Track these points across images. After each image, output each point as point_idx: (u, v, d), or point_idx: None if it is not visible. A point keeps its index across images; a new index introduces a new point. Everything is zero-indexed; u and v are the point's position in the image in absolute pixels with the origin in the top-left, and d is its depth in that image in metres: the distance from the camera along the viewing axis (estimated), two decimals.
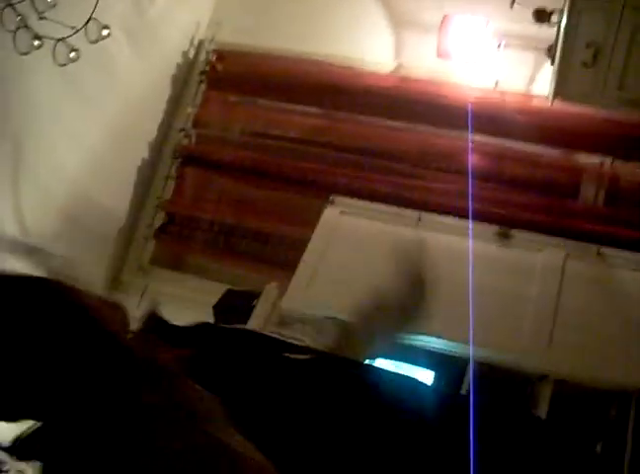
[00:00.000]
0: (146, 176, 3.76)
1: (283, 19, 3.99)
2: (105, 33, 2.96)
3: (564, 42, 2.98)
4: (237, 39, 3.90)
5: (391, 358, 2.73)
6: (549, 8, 3.18)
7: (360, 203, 3.42)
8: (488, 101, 3.57)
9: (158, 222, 3.72)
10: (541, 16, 3.21)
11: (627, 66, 2.96)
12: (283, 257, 3.58)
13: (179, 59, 3.86)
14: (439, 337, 2.79)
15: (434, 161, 3.58)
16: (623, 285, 2.98)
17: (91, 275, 3.50)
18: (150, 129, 3.76)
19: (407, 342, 2.62)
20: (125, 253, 3.73)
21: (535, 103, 3.48)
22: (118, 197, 3.63)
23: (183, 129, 3.80)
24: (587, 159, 3.45)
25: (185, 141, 3.80)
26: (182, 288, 3.49)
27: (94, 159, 3.40)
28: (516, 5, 3.22)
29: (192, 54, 3.94)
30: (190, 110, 3.84)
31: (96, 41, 2.91)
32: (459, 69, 3.65)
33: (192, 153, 3.79)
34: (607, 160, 3.40)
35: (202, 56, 3.91)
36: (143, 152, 3.74)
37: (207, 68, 3.85)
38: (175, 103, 3.87)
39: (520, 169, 3.49)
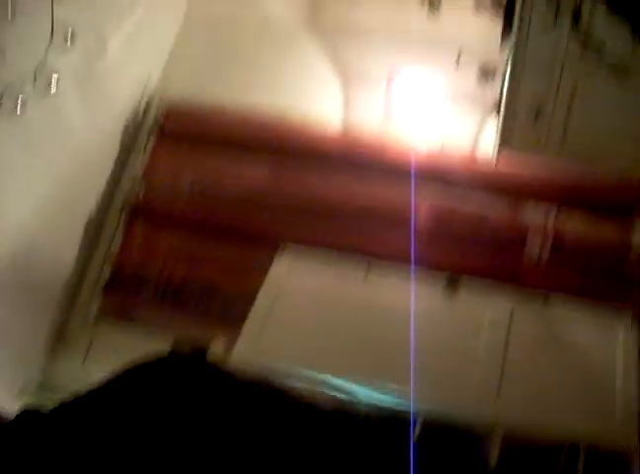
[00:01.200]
0: (94, 229, 3.70)
1: (234, 75, 4.04)
2: (54, 83, 2.97)
3: (508, 98, 3.06)
4: (188, 94, 3.93)
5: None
6: (493, 65, 3.26)
7: (309, 258, 3.43)
8: (434, 156, 3.63)
9: (105, 276, 3.67)
10: (486, 73, 3.29)
11: (569, 119, 3.05)
12: (233, 311, 3.55)
13: (129, 112, 3.86)
14: (384, 391, 2.79)
15: (381, 217, 3.59)
16: (570, 337, 3.01)
17: (35, 327, 3.44)
18: (99, 182, 3.72)
19: (354, 397, 2.62)
20: (71, 306, 3.64)
21: (481, 157, 3.55)
22: (64, 250, 3.57)
23: (132, 183, 3.78)
24: (532, 211, 3.51)
25: (134, 195, 3.77)
26: (129, 343, 3.43)
27: (41, 211, 3.34)
28: (461, 62, 3.29)
29: (142, 108, 3.95)
30: (139, 163, 3.83)
31: (45, 92, 2.91)
32: (406, 125, 3.71)
33: (140, 207, 3.76)
34: (553, 212, 3.46)
35: (153, 110, 3.91)
36: (92, 205, 3.69)
37: (157, 122, 3.86)
38: (124, 156, 3.85)
39: (467, 224, 3.52)
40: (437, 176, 3.59)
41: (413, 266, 3.27)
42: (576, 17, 2.26)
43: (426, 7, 3.00)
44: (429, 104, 3.56)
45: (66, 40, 3.10)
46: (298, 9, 4.21)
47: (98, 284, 3.65)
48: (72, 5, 3.17)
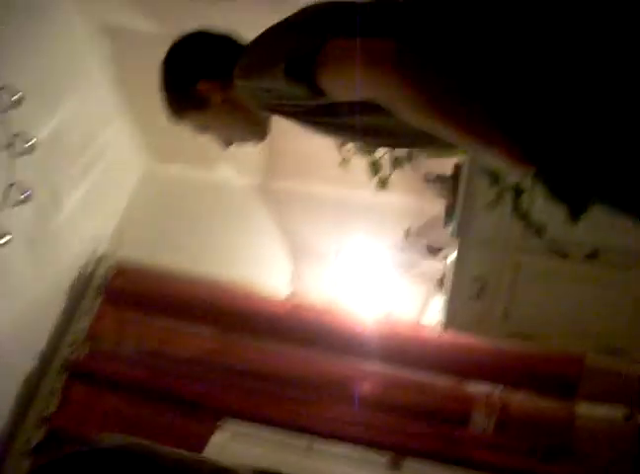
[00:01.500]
0: (31, 389, 3.59)
1: (185, 240, 4.10)
2: (5, 239, 2.98)
3: (452, 276, 3.13)
4: (138, 256, 3.95)
5: None
6: (439, 244, 3.37)
7: (251, 429, 3.37)
8: (380, 329, 3.66)
9: (38, 438, 3.52)
10: (432, 251, 3.39)
11: (512, 299, 3.13)
12: None
13: (77, 271, 3.86)
14: None
15: (325, 388, 3.57)
16: None
17: None
18: (39, 340, 3.65)
19: None
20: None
21: (427, 332, 3.59)
22: None
23: (74, 343, 3.71)
24: (477, 387, 3.52)
25: (75, 356, 3.69)
26: None
27: None
28: (408, 239, 3.39)
29: (91, 267, 3.95)
30: (83, 323, 3.78)
31: None
32: (353, 298, 3.76)
33: (81, 368, 3.67)
34: (497, 389, 3.48)
35: (102, 270, 3.91)
36: (30, 363, 3.60)
37: (105, 282, 3.85)
38: (68, 315, 3.80)
39: (412, 397, 3.51)
40: (383, 347, 3.61)
41: (355, 442, 3.24)
42: (517, 197, 2.37)
43: (375, 182, 3.12)
44: (376, 276, 3.63)
45: (21, 198, 3.14)
46: (252, 176, 4.34)
47: (29, 447, 3.50)
48: (30, 164, 3.24)
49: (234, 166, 4.32)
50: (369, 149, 3.09)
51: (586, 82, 1.29)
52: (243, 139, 1.85)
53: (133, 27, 3.47)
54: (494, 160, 1.32)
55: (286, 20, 1.55)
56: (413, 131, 1.38)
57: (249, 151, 4.04)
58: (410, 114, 1.32)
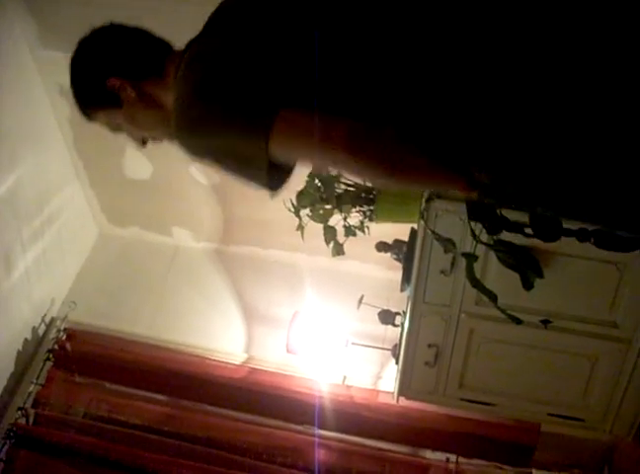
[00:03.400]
0: None
1: (138, 304, 4.06)
2: None
3: (407, 343, 3.13)
4: (90, 320, 3.91)
5: None
6: (393, 310, 3.37)
7: None
8: (335, 396, 3.64)
9: None
10: (386, 317, 3.39)
11: (466, 367, 3.14)
12: None
13: (27, 334, 3.79)
14: None
15: (280, 456, 3.53)
16: None
17: None
18: None
19: None
20: None
21: (381, 399, 3.58)
22: None
23: (21, 408, 3.62)
24: (432, 455, 3.51)
25: (22, 421, 3.60)
26: None
27: None
28: (362, 306, 3.39)
29: (41, 331, 3.89)
30: (31, 388, 3.69)
31: None
32: (308, 364, 3.75)
33: (27, 434, 3.56)
34: (452, 457, 3.47)
35: (52, 334, 3.85)
36: None
37: (56, 346, 3.78)
38: (16, 379, 3.72)
39: (367, 465, 3.48)
40: (338, 415, 3.59)
41: None
42: (471, 264, 2.39)
43: (331, 248, 3.13)
44: (330, 343, 3.62)
45: None
46: (208, 240, 4.33)
47: None
48: None
49: (190, 230, 4.32)
50: (325, 216, 3.11)
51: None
52: (157, 139, 1.74)
53: None
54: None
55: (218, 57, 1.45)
56: None
57: (205, 216, 4.10)
58: (366, 180, 1.36)
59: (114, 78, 1.62)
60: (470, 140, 1.35)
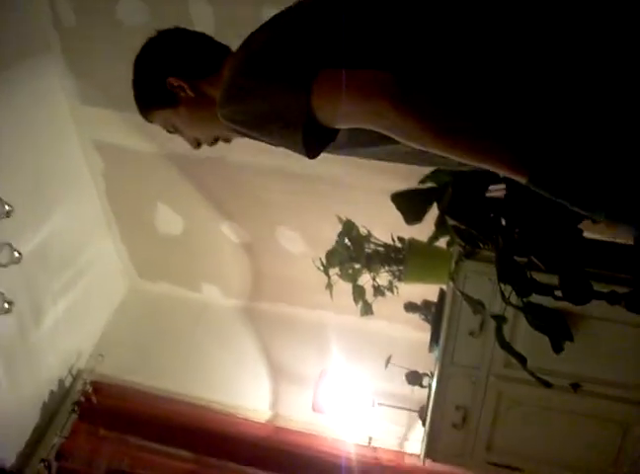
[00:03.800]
0: None
1: (166, 358, 4.07)
2: None
3: (434, 405, 3.09)
4: (116, 374, 3.91)
5: None
6: (421, 371, 3.34)
7: None
8: (361, 457, 3.60)
9: None
10: (413, 378, 3.36)
11: (494, 429, 3.08)
12: None
13: (54, 386, 3.80)
14: None
15: None
16: None
17: None
18: (9, 454, 3.55)
19: None
20: None
21: (408, 461, 3.54)
22: None
23: (44, 460, 3.61)
24: None
25: (44, 473, 3.58)
26: None
27: None
28: (390, 366, 3.37)
29: (68, 383, 3.90)
30: (55, 440, 3.68)
31: None
32: (334, 424, 3.71)
33: None
34: None
35: (79, 386, 3.86)
36: None
37: (82, 399, 3.78)
38: (41, 431, 3.72)
39: None
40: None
41: None
42: (500, 326, 2.38)
43: (360, 308, 3.12)
44: (357, 402, 3.59)
45: (5, 308, 3.13)
46: (236, 297, 4.34)
47: None
48: (15, 275, 3.24)
49: (219, 286, 4.34)
50: (354, 276, 3.11)
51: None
52: (209, 139, 1.77)
53: (125, 145, 3.54)
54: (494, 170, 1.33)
55: (273, 38, 1.50)
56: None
57: (235, 273, 4.12)
58: (410, 140, 1.32)
59: (173, 78, 1.68)
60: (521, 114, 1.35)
